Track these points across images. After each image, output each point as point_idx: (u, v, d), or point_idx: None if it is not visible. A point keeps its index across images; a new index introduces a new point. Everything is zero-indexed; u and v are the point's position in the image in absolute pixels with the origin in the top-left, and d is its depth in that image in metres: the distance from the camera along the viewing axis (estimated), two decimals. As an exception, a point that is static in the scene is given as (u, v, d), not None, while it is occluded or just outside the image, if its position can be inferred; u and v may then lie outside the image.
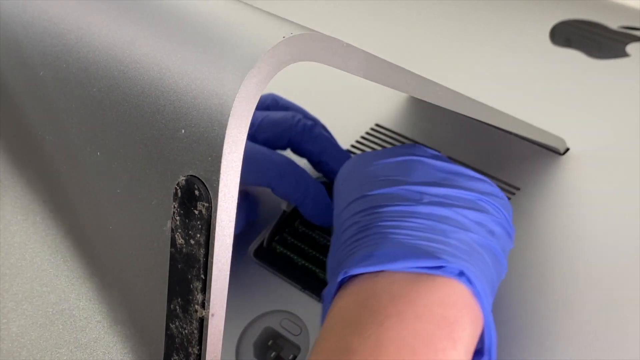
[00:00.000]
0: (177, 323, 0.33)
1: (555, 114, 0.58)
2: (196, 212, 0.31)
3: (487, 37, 0.66)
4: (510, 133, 0.55)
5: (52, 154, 0.38)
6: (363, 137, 0.59)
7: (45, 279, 0.39)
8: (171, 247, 0.32)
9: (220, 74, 0.30)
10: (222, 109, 0.30)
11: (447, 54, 0.65)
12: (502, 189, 0.53)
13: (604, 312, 0.46)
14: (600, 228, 0.50)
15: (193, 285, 0.32)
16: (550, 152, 0.55)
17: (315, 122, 0.54)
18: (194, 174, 0.31)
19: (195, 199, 0.31)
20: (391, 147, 0.47)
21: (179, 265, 0.32)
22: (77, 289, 0.38)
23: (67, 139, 0.37)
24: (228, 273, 0.32)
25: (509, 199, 0.53)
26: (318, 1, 0.73)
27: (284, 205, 0.54)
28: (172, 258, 0.33)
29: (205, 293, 0.32)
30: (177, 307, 0.33)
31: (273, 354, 0.50)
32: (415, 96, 0.39)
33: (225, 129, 0.29)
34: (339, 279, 0.40)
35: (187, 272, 0.32)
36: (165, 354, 0.34)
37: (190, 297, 0.32)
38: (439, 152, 0.56)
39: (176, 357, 0.34)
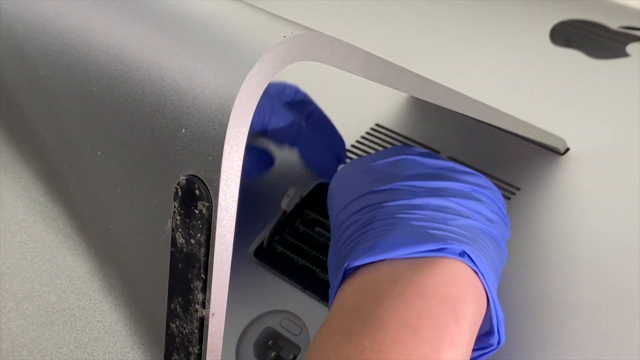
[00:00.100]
0: (177, 322, 0.33)
1: (556, 114, 0.58)
2: (197, 211, 0.31)
3: (488, 37, 0.66)
4: (511, 133, 0.55)
5: (52, 154, 0.38)
6: (363, 137, 0.59)
7: (46, 278, 0.39)
8: (172, 247, 0.32)
9: (221, 74, 0.30)
10: (222, 109, 0.30)
11: (447, 54, 0.65)
12: (502, 189, 0.53)
13: (604, 312, 0.46)
14: (600, 228, 0.50)
15: (193, 285, 0.32)
16: (550, 152, 0.55)
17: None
18: (194, 174, 0.31)
19: (195, 198, 0.31)
20: (381, 150, 0.48)
21: (180, 265, 0.32)
22: (77, 289, 0.38)
23: (67, 139, 0.37)
24: (228, 273, 0.32)
25: (509, 199, 0.53)
26: (318, 1, 0.73)
27: (284, 205, 0.54)
28: (173, 257, 0.33)
29: (205, 293, 0.32)
30: (178, 306, 0.33)
31: (273, 353, 0.50)
32: (416, 96, 0.39)
33: (226, 129, 0.29)
34: (342, 273, 0.40)
35: (187, 272, 0.32)
36: (165, 354, 0.34)
37: (191, 297, 0.32)
38: (439, 152, 0.56)
39: (176, 357, 0.34)
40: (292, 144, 0.54)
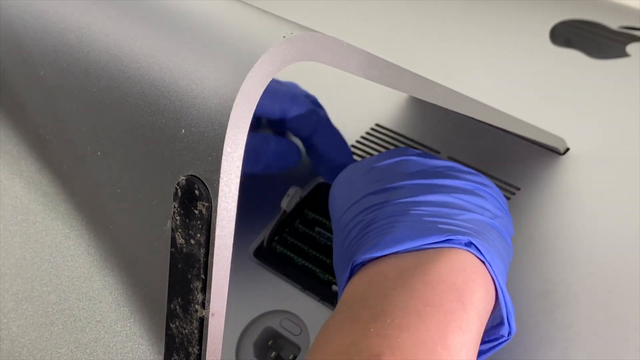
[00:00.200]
0: (177, 323, 0.33)
1: (556, 114, 0.58)
2: (196, 211, 0.31)
3: (487, 37, 0.66)
4: (511, 133, 0.55)
5: (52, 154, 0.38)
6: (363, 137, 0.59)
7: (46, 279, 0.39)
8: (171, 247, 0.32)
9: (221, 74, 0.30)
10: (222, 109, 0.30)
11: (447, 54, 0.65)
12: (502, 189, 0.53)
13: (604, 312, 0.46)
14: (600, 228, 0.50)
15: (193, 285, 0.32)
16: (550, 152, 0.55)
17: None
18: (194, 174, 0.31)
19: (195, 198, 0.31)
20: (381, 152, 0.48)
21: (179, 265, 0.32)
22: (77, 289, 0.38)
23: (67, 139, 0.37)
24: (228, 273, 0.32)
25: (509, 199, 0.53)
26: (318, 1, 0.73)
27: (284, 205, 0.54)
28: (172, 258, 0.33)
29: (205, 293, 0.32)
30: (177, 306, 0.33)
31: (273, 354, 0.50)
32: (416, 96, 0.39)
33: (226, 129, 0.29)
34: (349, 270, 0.41)
35: (187, 272, 0.32)
36: (165, 354, 0.34)
37: (191, 297, 0.32)
38: (439, 152, 0.56)
39: (176, 357, 0.34)
40: (310, 135, 0.53)
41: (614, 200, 0.51)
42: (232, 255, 0.32)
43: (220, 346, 0.33)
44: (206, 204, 0.30)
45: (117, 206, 0.35)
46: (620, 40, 0.63)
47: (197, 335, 0.32)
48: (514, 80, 0.61)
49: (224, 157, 0.30)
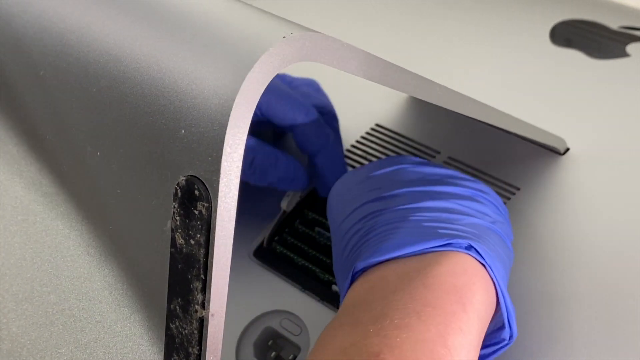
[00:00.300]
0: (177, 323, 0.33)
1: (556, 114, 0.58)
2: (196, 212, 0.31)
3: (487, 37, 0.66)
4: (511, 133, 0.55)
5: (52, 154, 0.38)
6: (363, 137, 0.59)
7: (45, 279, 0.39)
8: (171, 247, 0.32)
9: (221, 74, 0.30)
10: (222, 109, 0.30)
11: (447, 54, 0.65)
12: (502, 189, 0.53)
13: (604, 312, 0.46)
14: (600, 228, 0.50)
15: (193, 286, 0.32)
16: (550, 152, 0.55)
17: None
18: (194, 174, 0.31)
19: (195, 199, 0.31)
20: (378, 160, 0.48)
21: (179, 266, 0.32)
22: (77, 290, 0.38)
23: (67, 139, 0.37)
24: (228, 273, 0.32)
25: (509, 199, 0.53)
26: (318, 1, 0.73)
27: (284, 205, 0.54)
28: (172, 258, 0.33)
29: (205, 293, 0.32)
30: (177, 307, 0.33)
31: (273, 354, 0.50)
32: (416, 96, 0.39)
33: (226, 129, 0.29)
34: (350, 277, 0.41)
35: (187, 272, 0.32)
36: (165, 354, 0.34)
37: (190, 297, 0.32)
38: (439, 152, 0.56)
39: (176, 357, 0.34)
40: (314, 154, 0.52)
41: (614, 200, 0.51)
42: (232, 256, 0.32)
43: (220, 346, 0.33)
44: (206, 204, 0.30)
45: (117, 206, 0.35)
46: (621, 40, 0.63)
47: (197, 336, 0.32)
48: (514, 80, 0.61)
49: (223, 157, 0.30)
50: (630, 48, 0.62)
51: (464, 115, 0.43)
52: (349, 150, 0.58)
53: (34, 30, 0.36)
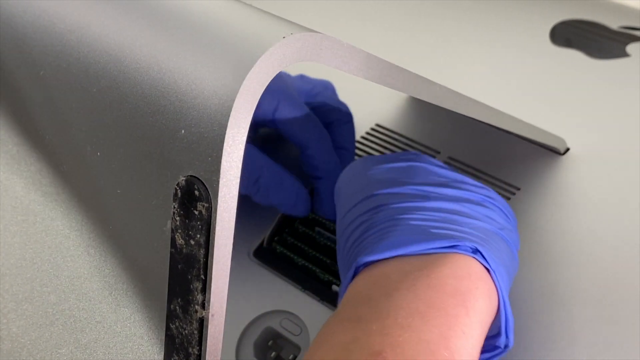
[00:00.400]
0: (177, 323, 0.33)
1: (556, 114, 0.58)
2: (196, 212, 0.31)
3: (487, 37, 0.66)
4: (511, 133, 0.55)
5: (52, 154, 0.38)
6: (363, 137, 0.59)
7: (45, 279, 0.39)
8: (171, 248, 0.32)
9: (221, 74, 0.30)
10: (222, 109, 0.30)
11: (447, 54, 0.65)
12: (502, 188, 0.53)
13: (605, 312, 0.46)
14: (600, 228, 0.50)
15: (193, 286, 0.32)
16: (550, 152, 0.55)
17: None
18: (193, 174, 0.31)
19: (195, 199, 0.31)
20: (393, 153, 0.48)
21: (179, 266, 0.32)
22: (77, 290, 0.38)
23: (67, 139, 0.37)
24: (228, 273, 0.32)
25: (509, 199, 0.53)
26: (318, 1, 0.73)
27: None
28: (172, 258, 0.32)
29: (205, 293, 0.32)
30: (177, 307, 0.33)
31: (273, 354, 0.50)
32: (416, 96, 0.39)
33: (225, 129, 0.29)
34: (352, 269, 0.40)
35: (187, 273, 0.32)
36: (165, 354, 0.34)
37: (190, 298, 0.32)
38: (439, 152, 0.56)
39: (176, 358, 0.34)
40: (319, 177, 0.52)
41: (614, 200, 0.51)
42: (232, 256, 0.32)
43: (220, 346, 0.33)
44: (206, 205, 0.30)
45: (117, 207, 0.35)
46: (621, 40, 0.63)
47: (197, 336, 0.32)
48: (514, 80, 0.61)
49: (223, 157, 0.30)
50: (630, 48, 0.62)
51: (464, 116, 0.43)
52: (349, 150, 0.58)
53: (34, 31, 0.36)
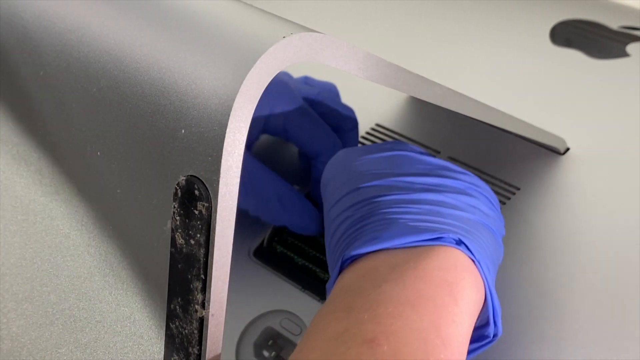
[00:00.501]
0: (177, 323, 0.33)
1: (556, 114, 0.58)
2: (196, 212, 0.31)
3: (487, 37, 0.66)
4: (511, 133, 0.55)
5: (52, 154, 0.38)
6: (363, 137, 0.59)
7: (46, 279, 0.39)
8: (171, 247, 0.32)
9: (221, 74, 0.30)
10: (222, 109, 0.30)
11: (447, 54, 0.65)
12: (502, 188, 0.53)
13: (604, 312, 0.46)
14: (600, 228, 0.50)
15: (193, 285, 0.32)
16: (550, 152, 0.55)
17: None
18: (194, 174, 0.31)
19: (195, 198, 0.31)
20: (375, 143, 0.48)
21: (179, 265, 0.32)
22: (77, 289, 0.38)
23: (67, 139, 0.37)
24: (228, 273, 0.32)
25: (509, 198, 0.53)
26: (318, 1, 0.73)
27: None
28: (172, 258, 0.33)
29: (205, 293, 0.32)
30: (177, 307, 0.33)
31: (273, 353, 0.50)
32: (416, 96, 0.39)
33: (225, 129, 0.29)
34: (339, 263, 0.41)
35: (187, 272, 0.32)
36: (165, 354, 0.34)
37: (190, 297, 0.32)
38: (439, 152, 0.56)
39: (176, 357, 0.34)
40: (313, 151, 0.53)
41: (614, 200, 0.51)
42: (232, 255, 0.32)
43: (220, 346, 0.33)
44: (206, 204, 0.30)
45: (117, 206, 0.35)
46: (621, 40, 0.63)
47: (197, 335, 0.32)
48: (514, 80, 0.61)
49: (223, 157, 0.30)
50: (631, 48, 0.62)
51: (464, 115, 0.43)
52: (349, 150, 0.58)
53: (34, 30, 0.36)
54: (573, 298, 0.47)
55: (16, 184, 0.40)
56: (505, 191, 0.53)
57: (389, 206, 0.42)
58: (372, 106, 0.61)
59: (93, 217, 0.37)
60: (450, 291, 0.38)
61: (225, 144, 0.30)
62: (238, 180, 0.31)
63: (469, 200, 0.43)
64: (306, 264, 0.53)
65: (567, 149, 0.55)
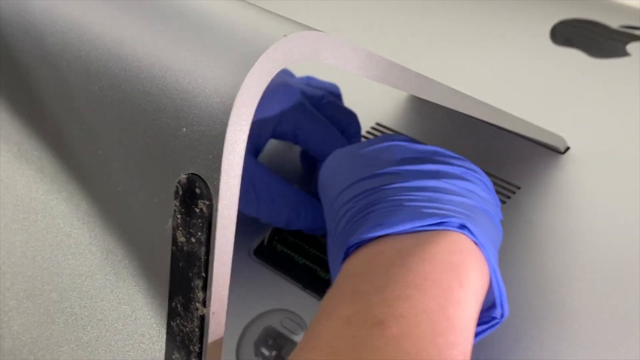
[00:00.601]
0: (178, 321, 0.33)
1: (556, 113, 0.58)
2: (197, 210, 0.31)
3: (488, 36, 0.66)
4: (511, 132, 0.55)
5: (53, 152, 0.38)
6: (364, 137, 0.59)
7: (47, 277, 0.39)
8: (172, 245, 0.32)
9: (222, 73, 0.30)
10: (223, 107, 0.30)
11: (447, 53, 0.65)
12: (502, 187, 0.53)
13: (604, 312, 0.46)
14: (600, 227, 0.50)
15: (194, 284, 0.32)
16: (550, 151, 0.55)
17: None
18: (195, 172, 0.31)
19: (196, 197, 0.31)
20: (369, 139, 0.48)
21: (180, 264, 0.32)
22: (78, 288, 0.38)
23: (67, 138, 0.37)
24: (229, 271, 0.32)
25: (509, 197, 0.53)
26: (318, 1, 0.73)
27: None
28: (174, 256, 0.33)
29: (206, 291, 0.32)
30: (179, 305, 0.33)
31: (274, 352, 0.50)
32: (416, 95, 0.39)
33: (226, 127, 0.29)
34: (344, 251, 0.41)
35: (188, 270, 0.32)
36: (166, 352, 0.34)
37: (191, 295, 0.32)
38: (440, 151, 0.56)
39: (177, 355, 0.34)
40: (323, 154, 0.53)
41: (614, 199, 0.51)
42: (233, 254, 0.32)
43: (222, 344, 0.33)
44: (207, 203, 0.31)
45: (118, 204, 0.35)
46: (621, 39, 0.63)
47: (197, 334, 0.33)
48: (514, 80, 0.61)
49: (224, 155, 0.30)
50: (631, 47, 0.62)
51: (464, 114, 0.43)
52: (349, 150, 0.58)
53: (34, 30, 0.36)
54: (573, 298, 0.47)
55: (17, 182, 0.40)
56: (506, 190, 0.53)
57: (391, 194, 0.42)
58: (373, 105, 0.61)
59: (94, 215, 0.37)
60: (456, 274, 0.38)
61: (226, 142, 0.30)
62: (239, 178, 0.31)
63: (467, 185, 0.43)
64: (307, 262, 0.53)
65: (567, 148, 0.55)
